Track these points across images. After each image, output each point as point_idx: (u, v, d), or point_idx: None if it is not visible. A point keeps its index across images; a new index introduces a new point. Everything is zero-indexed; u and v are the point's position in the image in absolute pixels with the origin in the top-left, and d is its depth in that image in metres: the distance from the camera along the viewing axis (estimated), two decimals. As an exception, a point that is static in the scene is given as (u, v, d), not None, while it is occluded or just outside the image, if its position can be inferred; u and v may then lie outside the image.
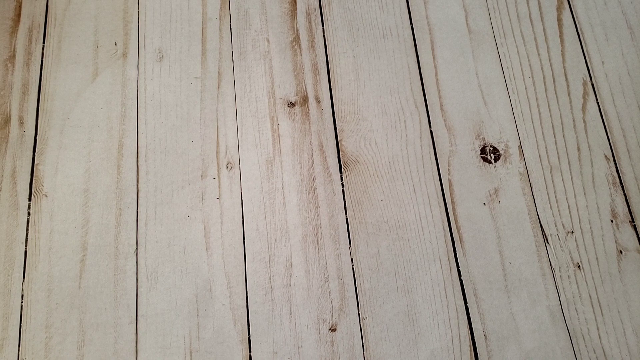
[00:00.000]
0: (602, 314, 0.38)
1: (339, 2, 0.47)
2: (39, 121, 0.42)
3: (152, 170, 0.41)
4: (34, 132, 0.41)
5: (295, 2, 0.46)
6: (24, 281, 0.37)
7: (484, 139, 0.41)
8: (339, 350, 0.36)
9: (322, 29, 0.45)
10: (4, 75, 0.43)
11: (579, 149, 0.42)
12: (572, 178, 0.41)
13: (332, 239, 0.39)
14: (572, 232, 0.40)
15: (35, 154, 0.41)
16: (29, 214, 0.39)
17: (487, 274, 0.39)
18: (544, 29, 0.46)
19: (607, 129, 0.43)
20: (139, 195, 0.40)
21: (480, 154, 0.42)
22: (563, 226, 0.40)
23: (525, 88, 0.44)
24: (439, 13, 0.46)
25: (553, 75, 0.45)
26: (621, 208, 0.40)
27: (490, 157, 0.42)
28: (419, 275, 0.38)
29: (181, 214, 0.40)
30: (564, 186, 0.40)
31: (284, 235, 0.39)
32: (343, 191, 0.40)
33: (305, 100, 0.43)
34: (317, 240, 0.39)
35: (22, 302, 0.37)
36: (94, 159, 0.41)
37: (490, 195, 0.41)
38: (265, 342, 0.36)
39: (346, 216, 0.40)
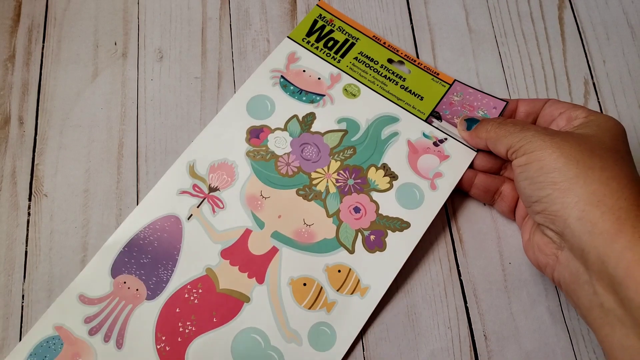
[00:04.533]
0: (602, 314, 0.38)
1: (339, 2, 0.46)
2: (38, 121, 0.42)
3: (152, 170, 0.41)
4: (33, 132, 0.41)
5: (296, 2, 0.46)
6: (24, 281, 0.37)
7: (484, 139, 0.41)
8: (339, 351, 0.36)
9: (322, 29, 0.45)
10: (3, 75, 0.43)
11: (579, 149, 0.42)
12: (572, 178, 0.41)
13: (332, 240, 0.39)
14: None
15: (35, 154, 0.41)
16: (29, 214, 0.39)
17: (487, 274, 0.39)
18: (545, 28, 0.46)
19: (608, 128, 0.43)
20: (139, 195, 0.40)
21: (481, 153, 0.42)
22: (563, 226, 0.40)
23: (526, 87, 0.44)
24: (439, 13, 0.46)
25: (554, 74, 0.45)
26: (622, 208, 0.40)
27: (491, 157, 0.42)
28: (419, 276, 0.38)
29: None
30: (565, 186, 0.40)
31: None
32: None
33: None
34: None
35: (22, 302, 0.37)
36: (94, 159, 0.41)
37: (490, 195, 0.41)
38: (265, 343, 0.36)
39: (346, 216, 0.40)
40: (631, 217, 0.28)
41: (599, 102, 0.44)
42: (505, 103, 0.40)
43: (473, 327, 0.37)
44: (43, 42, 0.44)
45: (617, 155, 0.31)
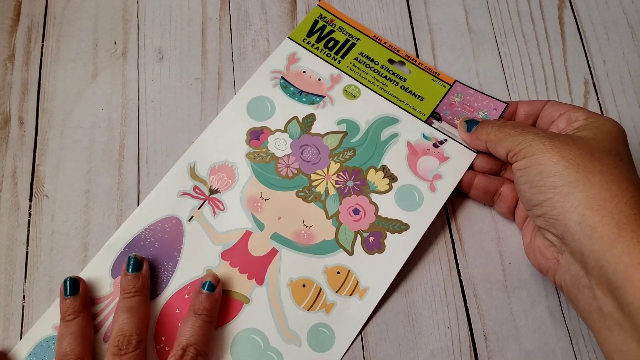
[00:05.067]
0: (601, 314, 0.38)
1: (339, 2, 0.46)
2: (39, 121, 0.42)
3: (153, 171, 0.41)
4: (34, 132, 0.41)
5: (296, 2, 0.46)
6: (25, 281, 0.37)
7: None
8: (339, 351, 0.36)
9: (322, 29, 0.45)
10: (3, 75, 0.43)
11: (579, 148, 0.42)
12: (572, 178, 0.41)
13: (333, 240, 0.39)
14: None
15: (36, 154, 0.41)
16: (29, 214, 0.39)
17: (487, 274, 0.39)
18: (545, 28, 0.46)
19: (608, 128, 0.43)
20: (140, 197, 0.40)
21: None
22: (563, 226, 0.40)
23: (526, 87, 0.44)
24: (439, 13, 0.46)
25: (554, 74, 0.45)
26: (621, 208, 0.40)
27: (491, 157, 0.42)
28: (419, 276, 0.38)
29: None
30: (564, 187, 0.40)
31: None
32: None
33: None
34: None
35: (23, 302, 0.37)
36: (95, 160, 0.41)
37: (490, 195, 0.41)
38: (266, 343, 0.37)
39: (346, 217, 0.40)
40: (631, 222, 0.28)
41: (599, 102, 0.44)
42: (505, 104, 0.41)
43: (473, 327, 0.37)
44: (42, 41, 0.44)
45: (617, 158, 0.31)
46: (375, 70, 0.43)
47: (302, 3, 0.46)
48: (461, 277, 0.38)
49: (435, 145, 0.40)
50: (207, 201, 0.39)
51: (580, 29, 0.46)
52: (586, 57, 0.45)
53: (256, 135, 0.41)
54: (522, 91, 0.44)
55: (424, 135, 0.41)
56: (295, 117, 0.41)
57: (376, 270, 0.37)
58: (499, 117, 0.40)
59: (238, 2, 0.46)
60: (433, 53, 0.45)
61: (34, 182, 0.40)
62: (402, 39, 0.45)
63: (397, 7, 0.46)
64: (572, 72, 0.45)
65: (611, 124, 0.33)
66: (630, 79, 0.44)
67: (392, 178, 0.40)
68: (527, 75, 0.44)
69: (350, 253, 0.38)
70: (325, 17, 0.45)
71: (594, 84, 0.44)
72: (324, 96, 0.42)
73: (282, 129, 0.41)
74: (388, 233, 0.38)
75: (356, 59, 0.43)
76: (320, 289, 0.37)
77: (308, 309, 0.36)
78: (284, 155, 0.41)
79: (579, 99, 0.44)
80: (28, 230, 0.39)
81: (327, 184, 0.40)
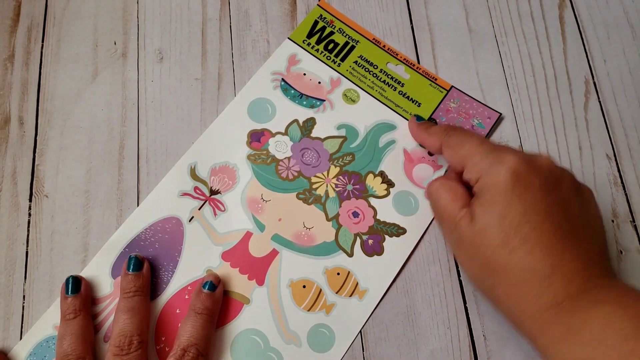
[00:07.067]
0: (601, 314, 0.38)
1: (339, 2, 0.46)
2: (39, 121, 0.42)
3: (153, 172, 0.41)
4: (34, 132, 0.41)
5: (295, 3, 0.46)
6: (25, 282, 0.37)
7: (484, 140, 0.41)
8: (339, 351, 0.36)
9: (322, 28, 0.45)
10: (3, 75, 0.43)
11: (580, 148, 0.42)
12: (572, 177, 0.41)
13: (332, 240, 0.39)
14: (572, 232, 0.40)
15: (36, 154, 0.41)
16: (29, 214, 0.39)
17: (487, 274, 0.39)
18: (546, 27, 0.46)
19: (609, 127, 0.43)
20: (140, 197, 0.40)
21: (481, 153, 0.42)
22: (563, 227, 0.40)
23: (527, 87, 0.44)
24: (439, 13, 0.46)
25: (555, 73, 0.45)
26: (622, 208, 0.40)
27: (491, 157, 0.42)
28: (419, 276, 0.38)
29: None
30: (564, 187, 0.40)
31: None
32: (343, 192, 0.40)
33: (305, 100, 0.43)
34: (318, 242, 0.39)
35: (23, 302, 0.37)
36: (95, 160, 0.41)
37: (490, 195, 0.41)
38: (265, 343, 0.37)
39: (346, 217, 0.40)
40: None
41: (599, 101, 0.44)
42: (499, 114, 0.42)
43: (472, 327, 0.37)
44: (42, 41, 0.44)
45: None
46: (374, 75, 0.43)
47: (302, 4, 0.46)
48: (461, 278, 0.39)
49: (430, 154, 0.41)
50: (207, 202, 0.39)
51: (581, 29, 0.46)
52: (587, 56, 0.45)
53: (257, 137, 0.41)
54: (523, 91, 0.44)
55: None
56: (296, 121, 0.42)
57: (375, 272, 0.38)
58: (491, 126, 0.42)
59: (238, 3, 0.46)
60: (433, 53, 0.45)
61: (34, 182, 0.40)
62: (402, 39, 0.45)
63: (397, 7, 0.46)
64: (573, 71, 0.45)
65: (501, 176, 0.31)
66: (631, 78, 0.44)
67: (390, 184, 0.40)
68: (527, 74, 0.44)
69: (350, 255, 0.38)
70: (325, 18, 0.45)
71: (594, 83, 0.44)
72: (324, 100, 0.42)
73: (283, 131, 0.41)
74: (386, 236, 0.39)
75: (355, 62, 0.44)
76: (321, 290, 0.37)
77: (308, 310, 0.36)
78: (285, 158, 0.41)
79: (580, 99, 0.44)
80: (28, 230, 0.39)
81: (327, 187, 0.40)
